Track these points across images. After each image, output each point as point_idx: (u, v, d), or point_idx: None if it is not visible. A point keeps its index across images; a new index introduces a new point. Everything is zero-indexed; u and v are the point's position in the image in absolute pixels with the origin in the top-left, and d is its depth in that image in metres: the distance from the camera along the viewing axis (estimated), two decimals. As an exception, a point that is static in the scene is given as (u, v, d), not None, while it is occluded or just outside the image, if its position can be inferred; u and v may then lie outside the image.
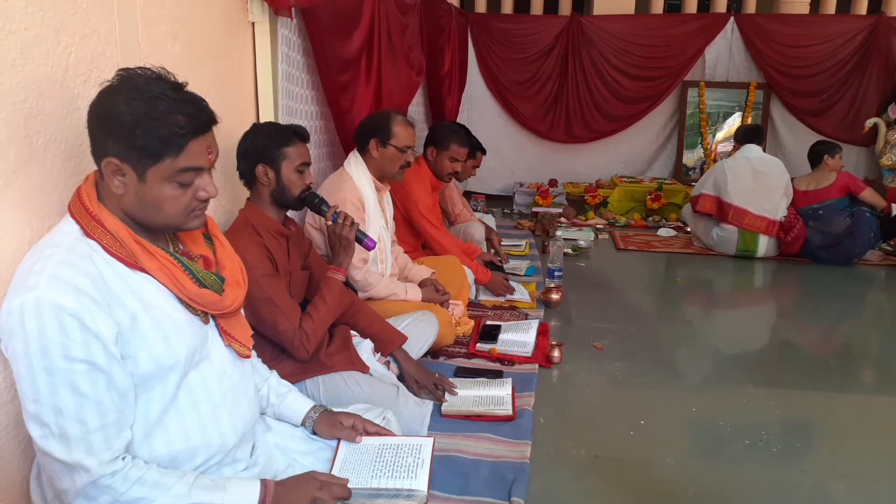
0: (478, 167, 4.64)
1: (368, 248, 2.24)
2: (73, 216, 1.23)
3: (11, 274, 1.20)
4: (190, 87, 1.26)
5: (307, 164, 2.09)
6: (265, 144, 2.02)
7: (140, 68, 1.22)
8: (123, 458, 1.20)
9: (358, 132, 2.86)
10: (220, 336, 1.41)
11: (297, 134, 2.07)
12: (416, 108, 4.94)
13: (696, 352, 3.13)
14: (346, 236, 2.14)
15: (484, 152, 4.59)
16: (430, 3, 4.91)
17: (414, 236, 3.49)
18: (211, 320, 1.39)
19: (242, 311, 1.52)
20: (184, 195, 1.25)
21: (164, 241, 1.33)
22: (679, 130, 6.82)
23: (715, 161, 6.40)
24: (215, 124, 1.27)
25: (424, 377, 2.37)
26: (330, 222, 2.16)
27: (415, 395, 2.28)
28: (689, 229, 5.43)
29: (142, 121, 1.16)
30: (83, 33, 1.51)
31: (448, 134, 3.57)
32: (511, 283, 3.68)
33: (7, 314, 1.12)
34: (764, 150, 5.00)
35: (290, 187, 2.04)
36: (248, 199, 2.11)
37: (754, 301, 4.26)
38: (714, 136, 6.84)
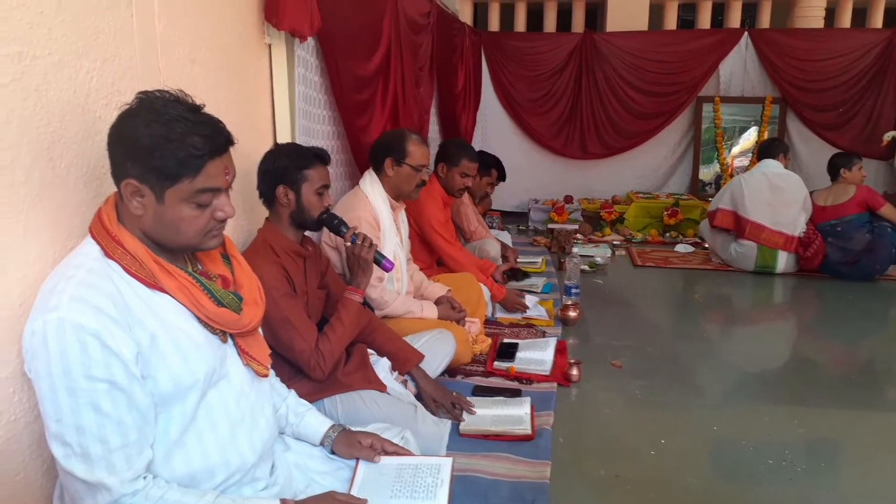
0: (493, 184, 4.65)
1: (386, 270, 2.25)
2: (93, 237, 1.25)
3: (36, 294, 1.21)
4: (208, 109, 1.27)
5: (327, 186, 2.11)
6: (286, 166, 2.04)
7: (158, 91, 1.24)
8: (144, 478, 1.20)
9: (373, 151, 2.88)
10: (239, 355, 1.41)
11: (319, 156, 2.09)
12: (430, 126, 4.96)
13: (717, 369, 3.10)
14: (365, 257, 2.15)
15: (500, 170, 4.60)
16: (443, 22, 4.96)
17: (428, 253, 3.49)
18: (229, 339, 1.39)
19: (260, 330, 1.52)
20: (201, 216, 1.26)
21: (182, 261, 1.34)
22: (694, 146, 6.80)
23: (732, 176, 6.37)
24: (232, 145, 1.29)
25: (442, 396, 2.36)
26: (349, 243, 2.18)
27: (432, 413, 2.27)
28: (706, 245, 5.39)
29: (160, 143, 1.18)
30: (104, 58, 1.53)
31: (457, 149, 3.59)
32: (528, 300, 3.67)
33: (30, 334, 1.13)
34: (788, 162, 4.93)
35: (309, 209, 2.06)
36: (266, 218, 2.12)
37: (774, 317, 4.20)
38: (730, 151, 6.81)
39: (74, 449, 1.14)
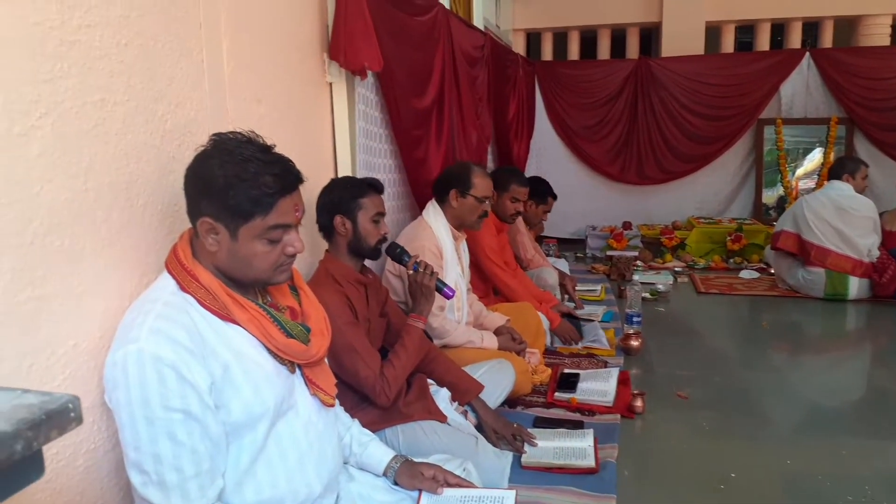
0: (548, 212, 4.64)
1: (447, 297, 2.28)
2: (169, 272, 1.31)
3: (115, 327, 1.27)
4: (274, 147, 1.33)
5: (382, 214, 2.16)
6: (342, 196, 2.11)
7: (231, 132, 1.30)
8: (217, 506, 1.23)
9: (437, 182, 2.94)
10: (306, 385, 1.44)
11: (372, 186, 2.16)
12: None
13: (787, 400, 2.98)
14: (427, 285, 2.19)
15: (555, 197, 4.60)
16: (497, 54, 5.02)
17: (484, 281, 3.50)
18: (297, 370, 1.43)
19: (326, 360, 1.56)
20: (273, 251, 1.31)
21: (253, 294, 1.39)
22: (756, 169, 6.63)
23: (796, 198, 6.18)
24: (301, 183, 1.34)
25: (503, 427, 2.34)
26: (411, 271, 2.21)
27: (493, 445, 2.26)
28: (772, 271, 5.23)
29: (234, 182, 1.23)
30: (178, 101, 1.61)
31: (507, 175, 3.61)
32: (589, 329, 3.61)
33: (111, 366, 1.19)
34: (861, 181, 4.73)
35: (366, 237, 2.11)
36: (326, 250, 2.18)
37: (847, 346, 4.02)
38: (794, 173, 6.61)
39: (151, 477, 1.18)
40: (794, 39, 6.97)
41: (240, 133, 1.30)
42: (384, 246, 2.20)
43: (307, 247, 2.34)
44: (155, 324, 1.19)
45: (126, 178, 1.43)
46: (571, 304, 4.12)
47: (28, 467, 0.53)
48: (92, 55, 1.32)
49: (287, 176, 1.29)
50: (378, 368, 2.00)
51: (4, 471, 0.49)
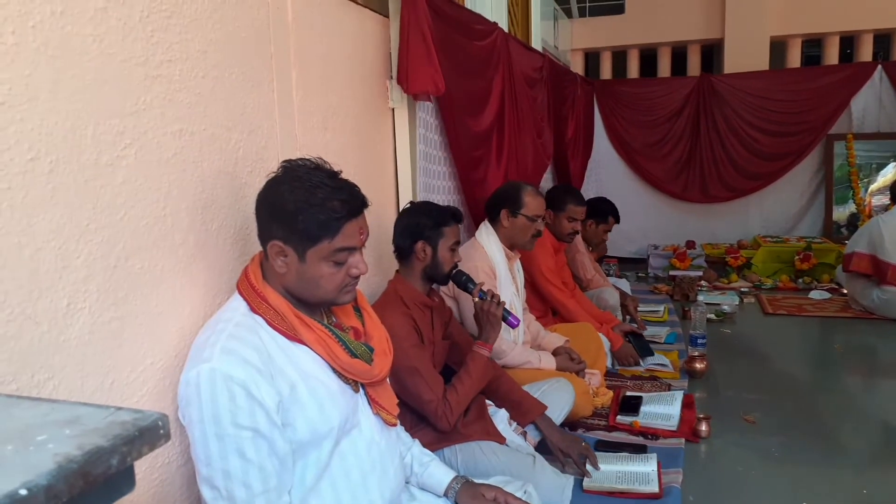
0: (609, 232, 4.59)
1: (512, 326, 2.26)
2: (241, 293, 1.36)
3: (189, 346, 1.33)
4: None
5: (459, 243, 2.21)
6: (426, 224, 2.15)
7: (300, 159, 1.35)
8: (283, 523, 1.27)
9: (489, 203, 2.95)
10: (369, 404, 1.47)
11: (454, 216, 2.21)
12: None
13: (863, 426, 2.85)
14: (494, 313, 2.17)
15: (617, 219, 4.55)
16: (555, 74, 5.03)
17: (542, 302, 3.48)
18: (361, 389, 1.46)
19: (388, 380, 1.58)
20: (338, 273, 1.35)
21: (319, 315, 1.43)
22: (826, 186, 6.40)
23: (869, 216, 5.93)
24: (366, 207, 1.38)
25: (569, 446, 2.30)
26: (477, 299, 2.21)
27: (560, 465, 2.24)
28: (845, 291, 5.03)
29: (303, 207, 1.28)
30: (250, 129, 1.69)
31: (563, 195, 3.59)
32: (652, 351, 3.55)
33: (185, 384, 1.24)
34: None
35: (442, 264, 2.16)
36: (397, 271, 2.22)
37: (929, 370, 3.83)
38: (866, 190, 6.35)
39: (222, 492, 1.22)
40: (865, 52, 6.73)
41: (308, 160, 1.35)
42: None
43: (377, 269, 2.41)
44: (227, 344, 1.24)
45: (202, 204, 1.51)
46: (634, 325, 4.05)
47: (121, 481, 0.56)
48: (172, 88, 1.40)
49: (353, 201, 1.33)
50: (441, 393, 2.01)
51: (101, 484, 0.52)
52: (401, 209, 2.32)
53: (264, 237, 1.35)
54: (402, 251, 2.19)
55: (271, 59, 1.77)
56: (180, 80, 1.42)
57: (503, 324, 2.16)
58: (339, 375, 1.39)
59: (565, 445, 2.30)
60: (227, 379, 1.21)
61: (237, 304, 1.35)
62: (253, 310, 1.33)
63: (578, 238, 3.98)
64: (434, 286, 2.24)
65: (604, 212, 4.43)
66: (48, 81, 1.11)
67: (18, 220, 1.07)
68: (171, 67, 1.39)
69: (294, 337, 1.33)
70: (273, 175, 1.35)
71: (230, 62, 1.60)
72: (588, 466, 2.28)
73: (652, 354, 3.58)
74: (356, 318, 1.53)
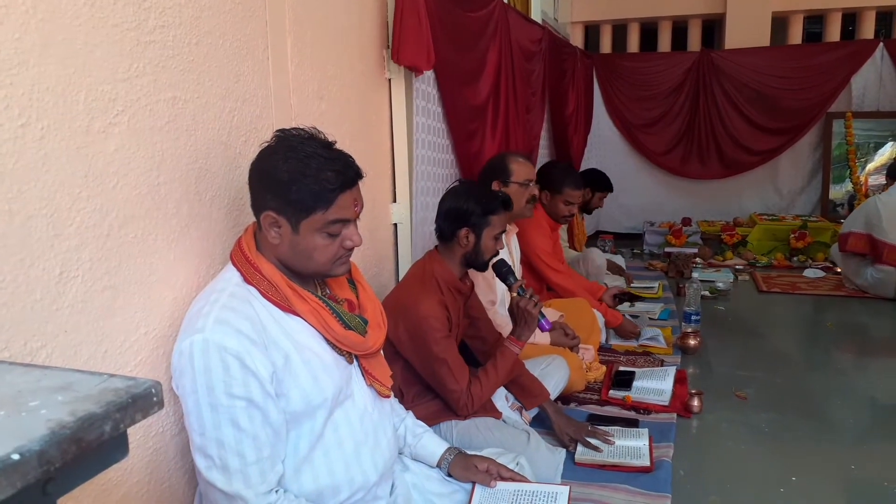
0: (604, 198, 4.68)
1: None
2: (234, 264, 1.35)
3: (182, 315, 1.33)
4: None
5: (504, 231, 2.15)
6: (474, 210, 2.07)
7: (295, 129, 1.34)
8: (277, 491, 1.28)
9: (480, 179, 2.94)
10: (363, 376, 1.48)
11: (504, 204, 2.13)
12: (541, 150, 4.97)
13: (853, 403, 2.88)
14: (531, 312, 2.08)
15: (610, 189, 4.63)
16: (554, 48, 4.98)
17: (536, 279, 3.48)
18: (354, 361, 1.46)
19: (381, 352, 1.58)
20: (332, 244, 1.34)
21: (313, 286, 1.43)
22: (824, 164, 6.38)
23: (866, 195, 5.93)
24: (361, 179, 1.36)
25: (576, 430, 2.32)
26: (515, 294, 2.14)
27: (565, 447, 2.25)
28: (839, 270, 5.05)
29: (297, 178, 1.27)
30: (244, 98, 1.67)
31: (561, 177, 3.53)
32: (646, 332, 3.57)
33: (178, 354, 1.24)
34: None
35: (485, 252, 2.11)
36: (436, 248, 2.17)
37: (920, 349, 3.86)
38: (864, 169, 6.34)
39: (215, 461, 1.23)
40: (867, 29, 6.66)
41: (303, 129, 1.34)
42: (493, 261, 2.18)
43: (371, 242, 2.39)
44: (220, 314, 1.24)
45: (195, 173, 1.49)
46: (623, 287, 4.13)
47: (114, 448, 0.56)
48: (165, 54, 1.38)
49: (347, 172, 1.32)
50: (466, 383, 2.01)
51: (94, 450, 0.52)
52: (448, 187, 2.21)
53: (258, 207, 1.33)
54: (444, 233, 2.12)
55: (266, 26, 1.74)
56: (173, 46, 1.40)
57: (499, 297, 2.15)
58: (333, 347, 1.39)
59: (572, 430, 2.32)
60: (221, 349, 1.21)
61: (231, 274, 1.34)
62: (247, 280, 1.32)
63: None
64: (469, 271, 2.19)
65: (604, 184, 4.55)
66: (38, 45, 1.09)
67: (9, 186, 1.05)
68: (163, 33, 1.37)
69: (288, 308, 1.32)
70: (267, 144, 1.33)
71: (224, 28, 1.57)
72: (597, 442, 2.29)
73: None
74: (350, 290, 1.52)
